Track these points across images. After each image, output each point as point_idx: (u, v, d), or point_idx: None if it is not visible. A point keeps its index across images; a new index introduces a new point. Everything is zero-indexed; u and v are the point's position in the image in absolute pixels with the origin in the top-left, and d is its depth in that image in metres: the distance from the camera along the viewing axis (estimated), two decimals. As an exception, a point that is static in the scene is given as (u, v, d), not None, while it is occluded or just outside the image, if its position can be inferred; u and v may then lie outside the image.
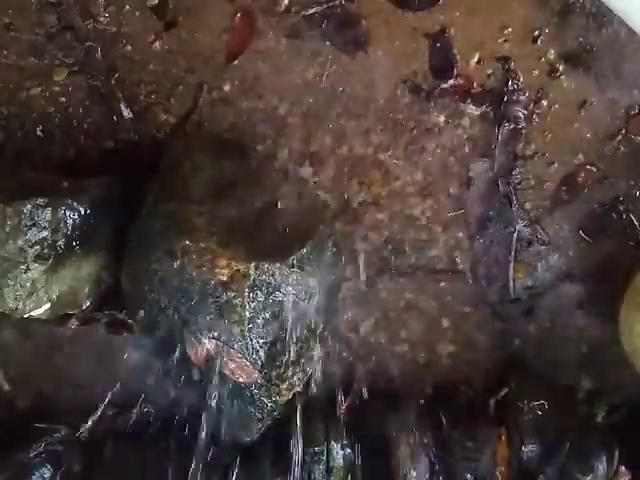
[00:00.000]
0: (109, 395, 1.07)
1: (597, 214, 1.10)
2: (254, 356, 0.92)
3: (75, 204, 0.95)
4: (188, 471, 0.99)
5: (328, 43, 1.06)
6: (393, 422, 1.07)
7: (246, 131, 1.07)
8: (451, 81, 1.07)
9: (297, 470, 1.01)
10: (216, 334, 0.92)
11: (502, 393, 1.10)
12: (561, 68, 1.07)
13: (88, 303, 1.01)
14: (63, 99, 1.05)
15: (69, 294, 0.98)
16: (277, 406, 0.98)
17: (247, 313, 0.91)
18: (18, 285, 0.94)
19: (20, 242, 0.93)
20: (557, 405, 1.08)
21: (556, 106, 1.08)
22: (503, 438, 1.06)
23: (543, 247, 1.11)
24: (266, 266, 0.91)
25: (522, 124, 1.07)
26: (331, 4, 1.04)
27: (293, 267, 0.92)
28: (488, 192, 1.10)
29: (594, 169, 1.09)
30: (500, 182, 1.09)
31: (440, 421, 1.08)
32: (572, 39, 1.06)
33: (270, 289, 0.92)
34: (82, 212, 0.96)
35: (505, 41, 1.06)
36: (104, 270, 1.00)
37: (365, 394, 1.09)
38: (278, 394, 0.96)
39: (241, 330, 0.91)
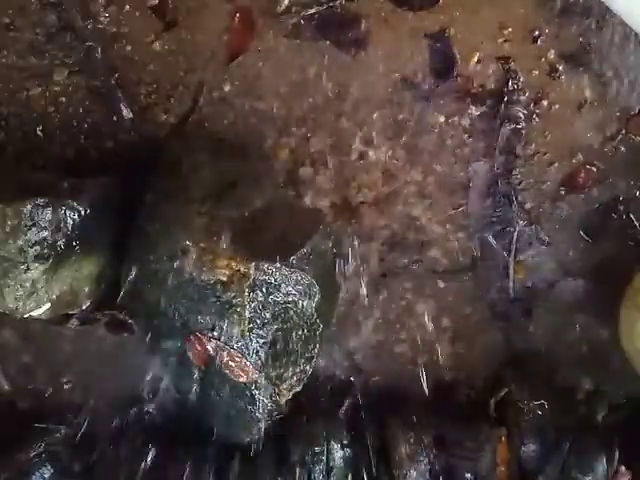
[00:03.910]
0: (109, 395, 1.08)
1: (597, 214, 1.10)
2: (254, 356, 0.93)
3: (75, 204, 0.95)
4: (188, 471, 1.00)
5: (328, 43, 1.06)
6: (393, 422, 1.07)
7: (246, 131, 1.07)
8: (451, 81, 1.07)
9: (297, 470, 1.01)
10: (216, 334, 0.92)
11: (502, 393, 1.10)
12: (561, 68, 1.07)
13: (88, 303, 1.01)
14: (63, 99, 1.05)
15: (69, 294, 0.98)
16: (277, 406, 0.98)
17: (247, 313, 0.91)
18: (18, 285, 0.94)
19: (20, 242, 0.93)
20: (557, 405, 1.08)
21: (556, 106, 1.08)
22: (503, 438, 1.06)
23: (543, 247, 1.11)
24: (266, 266, 0.91)
25: (522, 124, 1.07)
26: (331, 4, 1.04)
27: (293, 267, 0.92)
28: (488, 192, 1.10)
29: (594, 169, 1.09)
30: (500, 182, 1.09)
31: (440, 421, 1.08)
32: (572, 39, 1.06)
33: (270, 289, 0.92)
34: (82, 212, 0.96)
35: (505, 41, 1.06)
36: (104, 270, 1.00)
37: (365, 394, 1.09)
38: (278, 394, 0.96)
39: (241, 330, 0.91)
